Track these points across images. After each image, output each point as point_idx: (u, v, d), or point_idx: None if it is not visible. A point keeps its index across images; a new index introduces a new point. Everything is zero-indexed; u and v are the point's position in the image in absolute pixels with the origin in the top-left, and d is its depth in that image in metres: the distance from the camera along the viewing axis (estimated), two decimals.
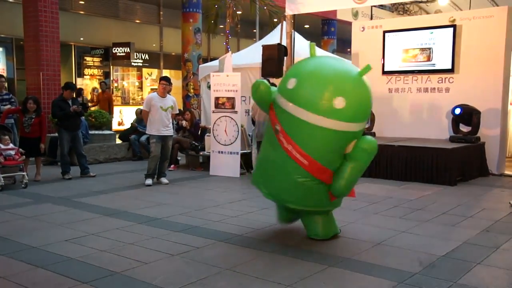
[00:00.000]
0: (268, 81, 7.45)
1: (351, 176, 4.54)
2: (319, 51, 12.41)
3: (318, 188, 4.57)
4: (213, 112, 9.15)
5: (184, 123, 10.10)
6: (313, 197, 4.62)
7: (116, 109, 17.43)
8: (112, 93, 17.68)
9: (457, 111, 8.84)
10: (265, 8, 14.73)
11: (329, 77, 4.45)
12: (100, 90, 14.97)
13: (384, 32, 10.07)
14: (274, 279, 3.79)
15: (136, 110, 12.17)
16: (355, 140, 4.48)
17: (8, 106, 9.21)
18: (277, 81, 8.07)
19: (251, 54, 10.96)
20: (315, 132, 4.40)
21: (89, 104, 13.76)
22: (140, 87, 18.64)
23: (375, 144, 4.55)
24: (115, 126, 15.64)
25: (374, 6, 16.41)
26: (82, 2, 16.61)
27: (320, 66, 4.60)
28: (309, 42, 5.03)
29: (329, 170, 4.52)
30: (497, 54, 8.95)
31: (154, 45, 18.77)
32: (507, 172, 9.10)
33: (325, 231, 4.87)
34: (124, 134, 11.68)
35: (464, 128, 9.07)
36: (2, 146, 7.59)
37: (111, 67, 17.62)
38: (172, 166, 9.51)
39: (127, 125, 14.95)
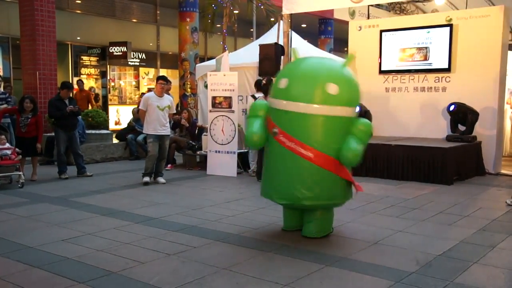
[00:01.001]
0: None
1: (355, 143, 4.59)
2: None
3: (330, 180, 4.68)
4: (210, 111, 9.15)
5: (182, 120, 10.09)
6: (327, 190, 4.71)
7: (112, 109, 17.43)
8: (109, 92, 17.66)
9: (451, 108, 8.87)
10: (262, 7, 14.72)
11: (318, 69, 4.81)
12: (77, 89, 14.79)
13: (381, 31, 10.08)
14: (271, 279, 3.79)
15: (133, 109, 12.16)
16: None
17: (5, 106, 9.19)
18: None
19: (248, 54, 10.95)
20: (314, 122, 4.61)
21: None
22: (137, 87, 18.61)
23: (369, 124, 4.80)
24: (112, 126, 15.62)
25: (371, 5, 16.39)
26: (79, 1, 16.57)
27: (307, 62, 5.00)
28: (292, 47, 5.37)
29: (336, 160, 4.61)
30: (493, 53, 8.97)
31: (151, 44, 18.75)
32: (503, 171, 9.12)
33: (321, 229, 4.91)
34: (121, 134, 11.66)
35: (462, 128, 9.08)
36: None
37: (108, 66, 17.59)
38: (169, 165, 9.50)
39: (124, 125, 14.93)
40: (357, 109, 4.83)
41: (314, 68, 4.80)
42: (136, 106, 15.65)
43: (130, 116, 12.89)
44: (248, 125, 5.10)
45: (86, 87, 16.58)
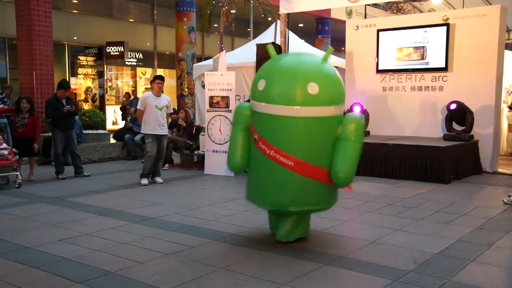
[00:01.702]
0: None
1: (350, 156, 4.37)
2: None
3: (314, 186, 4.47)
4: (208, 111, 9.14)
5: (180, 120, 10.08)
6: (313, 195, 4.51)
7: (110, 109, 17.41)
8: (106, 92, 17.64)
9: (453, 106, 8.81)
10: (258, 6, 14.72)
11: (296, 67, 4.53)
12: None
13: (378, 30, 10.09)
14: (269, 278, 3.79)
15: (130, 109, 12.14)
16: (340, 126, 4.44)
17: (1, 106, 9.16)
18: None
19: (246, 53, 10.96)
20: (294, 125, 4.36)
21: None
22: (134, 86, 18.59)
23: (359, 119, 4.54)
24: (109, 126, 15.61)
25: (368, 4, 16.42)
26: (76, 1, 16.54)
27: (285, 61, 4.76)
28: (268, 45, 5.02)
29: (319, 168, 4.40)
30: (490, 52, 8.99)
31: (148, 44, 18.73)
32: (500, 170, 9.15)
33: (291, 233, 4.70)
34: (118, 134, 11.65)
35: (457, 127, 9.10)
36: None
37: (105, 66, 17.57)
38: (166, 165, 9.49)
39: (121, 125, 14.91)
40: (343, 107, 4.58)
41: (292, 67, 4.54)
42: (120, 106, 15.70)
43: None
44: (230, 143, 4.87)
45: (83, 87, 16.60)
